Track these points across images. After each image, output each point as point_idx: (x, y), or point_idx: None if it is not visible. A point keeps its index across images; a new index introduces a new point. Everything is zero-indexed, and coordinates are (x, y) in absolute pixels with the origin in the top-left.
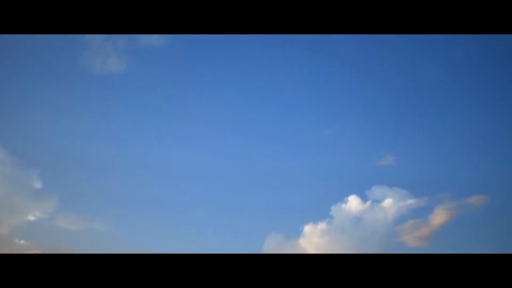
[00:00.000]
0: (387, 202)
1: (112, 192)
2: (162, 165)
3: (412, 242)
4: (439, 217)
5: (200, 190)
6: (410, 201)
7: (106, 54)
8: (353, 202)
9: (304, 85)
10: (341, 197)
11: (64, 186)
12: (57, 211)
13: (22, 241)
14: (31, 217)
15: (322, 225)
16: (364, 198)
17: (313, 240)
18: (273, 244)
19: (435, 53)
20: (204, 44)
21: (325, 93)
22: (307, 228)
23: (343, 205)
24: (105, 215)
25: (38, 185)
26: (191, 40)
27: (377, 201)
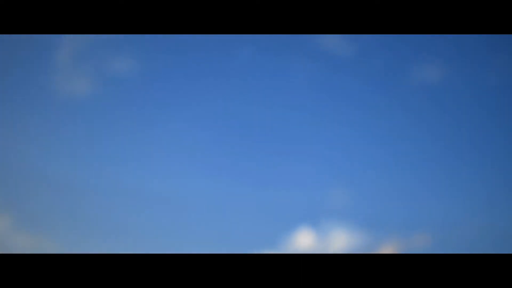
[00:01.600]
0: (336, 235)
1: (73, 214)
2: (125, 191)
3: None
4: (386, 251)
5: (157, 220)
6: (358, 236)
7: (74, 77)
8: (302, 234)
9: (254, 118)
10: (291, 229)
11: (20, 205)
12: (9, 229)
13: None
14: None
15: None
16: (313, 231)
17: None
18: None
19: (385, 83)
20: (178, 72)
21: (277, 126)
22: None
23: (292, 237)
24: (58, 236)
25: None
26: (163, 67)
27: (326, 233)
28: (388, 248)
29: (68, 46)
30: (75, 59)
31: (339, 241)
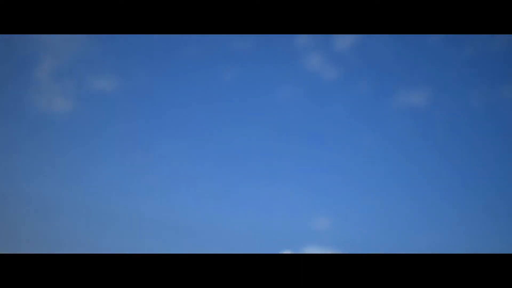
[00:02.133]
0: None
1: (50, 234)
2: (106, 214)
3: None
4: None
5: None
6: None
7: (53, 94)
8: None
9: (239, 143)
10: (274, 251)
11: None
12: None
13: None
14: None
15: None
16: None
17: None
18: None
19: (375, 125)
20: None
21: (260, 153)
22: None
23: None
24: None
25: None
26: (142, 88)
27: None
28: None
29: (48, 63)
30: (54, 76)
31: None
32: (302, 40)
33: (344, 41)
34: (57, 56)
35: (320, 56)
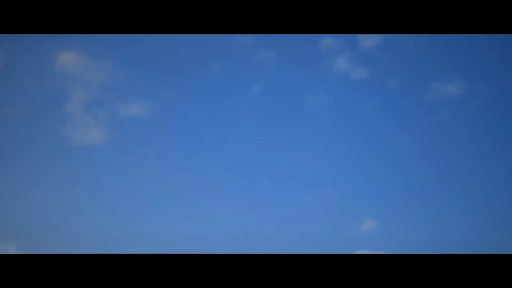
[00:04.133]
0: None
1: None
2: (149, 239)
3: None
4: None
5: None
6: None
7: (86, 126)
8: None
9: (281, 155)
10: None
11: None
12: None
13: None
14: None
15: None
16: None
17: None
18: None
19: (408, 121)
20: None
21: (304, 161)
22: None
23: None
24: None
25: None
26: (173, 112)
27: None
28: None
29: (78, 94)
30: (86, 106)
31: None
32: (326, 41)
33: (369, 40)
34: (86, 86)
35: (347, 57)
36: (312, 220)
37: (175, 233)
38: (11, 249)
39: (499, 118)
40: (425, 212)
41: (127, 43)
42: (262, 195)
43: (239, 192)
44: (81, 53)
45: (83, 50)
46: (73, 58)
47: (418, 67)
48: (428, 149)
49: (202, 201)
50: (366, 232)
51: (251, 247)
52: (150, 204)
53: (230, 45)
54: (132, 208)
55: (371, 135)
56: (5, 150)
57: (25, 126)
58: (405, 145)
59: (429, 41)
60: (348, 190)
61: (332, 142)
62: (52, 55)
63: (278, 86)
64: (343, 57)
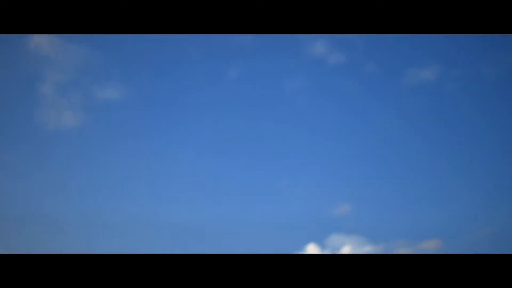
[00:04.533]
0: (345, 249)
1: (64, 250)
2: (121, 225)
3: None
4: None
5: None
6: (368, 248)
7: (61, 109)
8: (312, 251)
9: (257, 139)
10: (300, 246)
11: (18, 245)
12: None
13: None
14: None
15: None
16: (322, 246)
17: None
18: None
19: (386, 104)
20: (162, 95)
21: (280, 144)
22: None
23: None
24: None
25: None
26: (147, 93)
27: (336, 248)
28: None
29: (53, 77)
30: (60, 89)
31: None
32: None
33: None
34: (60, 69)
35: (324, 42)
36: (287, 204)
37: (149, 217)
38: None
39: (474, 102)
40: (400, 195)
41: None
42: (236, 179)
43: (214, 176)
44: (55, 35)
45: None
46: (47, 40)
47: (395, 52)
48: (404, 134)
49: (177, 186)
50: (341, 215)
51: (224, 231)
52: (123, 188)
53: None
54: (105, 192)
55: (348, 118)
56: None
57: None
58: (381, 129)
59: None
60: (324, 174)
61: (309, 126)
62: (26, 37)
63: (255, 70)
64: (320, 41)
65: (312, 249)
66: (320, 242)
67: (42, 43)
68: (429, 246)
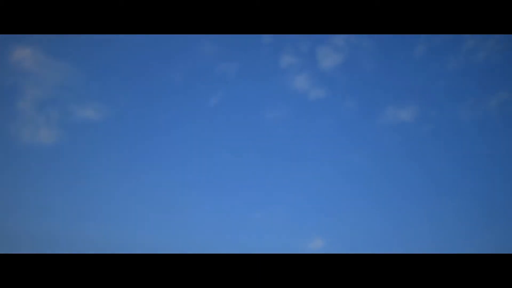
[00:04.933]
0: None
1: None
2: (83, 245)
3: None
4: None
5: None
6: None
7: (37, 125)
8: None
9: (232, 168)
10: None
11: None
12: None
13: None
14: None
15: None
16: None
17: None
18: None
19: (362, 142)
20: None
21: (256, 174)
22: None
23: None
24: None
25: None
26: (127, 118)
27: None
28: None
29: (32, 92)
30: (38, 105)
31: None
32: (287, 59)
33: (329, 60)
34: (40, 85)
35: (306, 76)
36: (260, 237)
37: (119, 237)
38: None
39: (450, 144)
40: (374, 231)
41: (87, 44)
42: (210, 209)
43: (188, 204)
44: (38, 51)
45: (40, 47)
46: (29, 54)
47: (375, 90)
48: (378, 172)
49: (148, 211)
50: (313, 250)
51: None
52: (93, 208)
53: (192, 54)
54: (75, 211)
55: (324, 153)
56: None
57: None
58: (356, 166)
59: (385, 65)
60: (298, 207)
61: (287, 156)
62: (7, 50)
63: (236, 99)
64: (302, 75)
65: None
66: None
67: (24, 58)
68: None
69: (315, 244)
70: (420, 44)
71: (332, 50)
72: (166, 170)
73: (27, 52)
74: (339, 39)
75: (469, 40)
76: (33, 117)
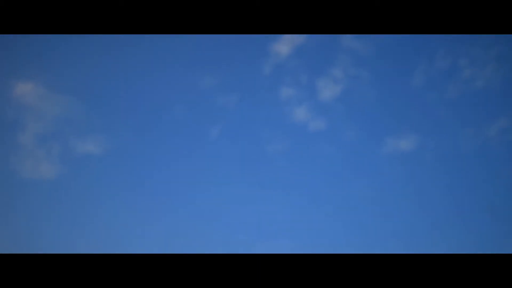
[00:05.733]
0: None
1: None
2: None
3: None
4: None
5: None
6: None
7: (38, 159)
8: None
9: (233, 202)
10: None
11: None
12: None
13: None
14: None
15: None
16: None
17: None
18: None
19: (363, 172)
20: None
21: (257, 211)
22: None
23: None
24: None
25: None
26: (128, 153)
27: None
28: None
29: (33, 126)
30: (40, 139)
31: None
32: (287, 91)
33: (328, 91)
34: (40, 119)
35: (306, 107)
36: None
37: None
38: None
39: (450, 174)
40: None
41: (89, 78)
42: (212, 243)
43: (186, 232)
44: (40, 84)
45: (43, 81)
46: (32, 88)
47: (374, 120)
48: (380, 202)
49: (149, 246)
50: None
51: None
52: (96, 241)
53: (193, 86)
54: (77, 246)
55: (326, 184)
56: None
57: None
58: (358, 196)
59: (384, 95)
60: (299, 240)
61: (288, 188)
62: (10, 83)
63: (237, 131)
64: (302, 106)
65: None
66: None
67: (26, 92)
68: None
69: None
70: (418, 73)
71: (331, 81)
72: (167, 203)
73: (29, 86)
74: (338, 71)
75: (466, 69)
76: (34, 151)
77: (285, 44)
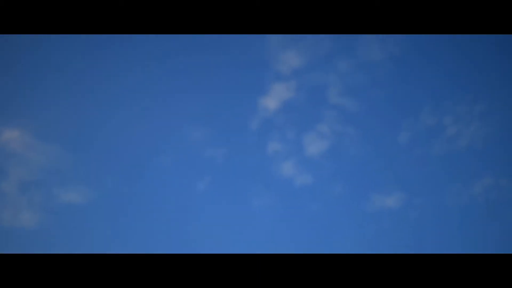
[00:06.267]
0: None
1: None
2: None
3: None
4: None
5: None
6: None
7: (19, 208)
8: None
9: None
10: None
11: None
12: None
13: None
14: None
15: None
16: None
17: None
18: None
19: (349, 228)
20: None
21: None
22: None
23: None
24: None
25: None
26: (112, 203)
27: None
28: None
29: (17, 174)
30: (22, 187)
31: None
32: (274, 146)
33: (315, 147)
34: (26, 167)
35: (293, 162)
36: None
37: None
38: None
39: (435, 231)
40: None
41: (76, 127)
42: None
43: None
44: (27, 133)
45: (29, 130)
46: (18, 136)
47: (361, 177)
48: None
49: None
50: None
51: None
52: None
53: (181, 138)
54: None
55: (314, 239)
56: None
57: None
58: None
59: (370, 152)
60: None
61: (273, 244)
62: None
63: (223, 185)
64: (289, 162)
65: None
66: None
67: (12, 139)
68: None
69: None
70: (404, 131)
71: (317, 136)
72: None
73: (15, 134)
74: (324, 127)
75: (451, 127)
76: (16, 199)
77: (273, 99)
